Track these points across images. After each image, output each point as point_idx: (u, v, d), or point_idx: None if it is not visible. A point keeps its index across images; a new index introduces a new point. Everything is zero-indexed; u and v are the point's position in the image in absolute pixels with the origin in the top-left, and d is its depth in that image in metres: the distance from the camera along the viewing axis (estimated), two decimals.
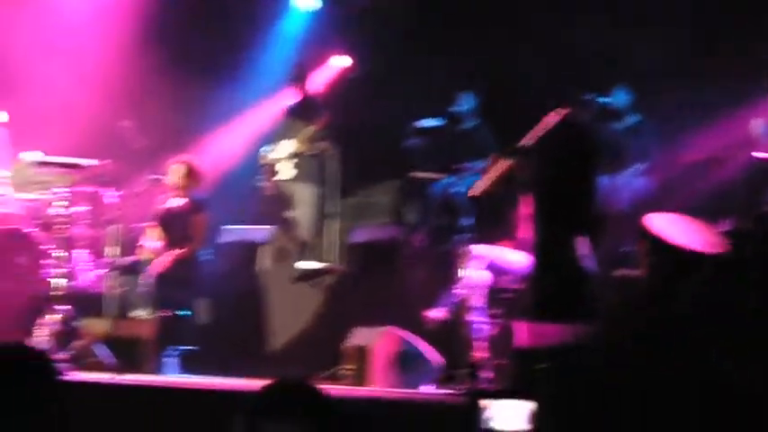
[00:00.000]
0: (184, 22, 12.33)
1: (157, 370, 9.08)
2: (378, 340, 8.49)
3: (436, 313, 8.72)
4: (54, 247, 8.95)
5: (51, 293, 8.55)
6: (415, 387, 8.24)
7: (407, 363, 8.41)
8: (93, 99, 12.08)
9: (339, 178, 10.94)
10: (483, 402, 5.96)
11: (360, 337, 8.65)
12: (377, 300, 9.55)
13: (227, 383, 8.06)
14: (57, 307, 8.31)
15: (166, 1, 12.21)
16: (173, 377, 8.98)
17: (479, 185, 8.52)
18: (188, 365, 9.27)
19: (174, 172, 10.25)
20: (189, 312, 9.96)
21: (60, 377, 2.97)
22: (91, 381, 7.65)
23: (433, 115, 10.53)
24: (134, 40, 12.31)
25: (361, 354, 8.48)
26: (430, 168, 10.41)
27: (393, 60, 11.74)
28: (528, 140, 8.20)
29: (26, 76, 12.42)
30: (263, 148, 11.30)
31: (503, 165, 8.45)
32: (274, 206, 11.31)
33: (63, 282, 8.49)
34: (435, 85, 11.09)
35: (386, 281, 9.85)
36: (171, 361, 9.32)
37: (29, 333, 8.45)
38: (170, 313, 9.75)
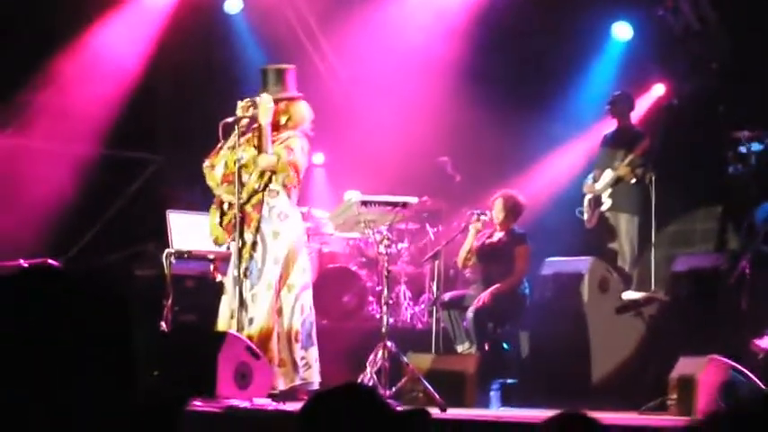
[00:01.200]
0: (503, 58, 12.47)
1: (481, 404, 9.15)
2: (703, 370, 8.26)
3: (764, 342, 8.43)
4: (378, 284, 9.18)
5: (378, 330, 8.75)
6: None
7: (734, 392, 8.14)
8: (412, 136, 12.38)
9: (659, 206, 10.76)
10: None
11: (684, 366, 8.44)
12: (701, 329, 9.31)
13: (548, 416, 8.03)
14: (382, 343, 8.50)
15: (484, 37, 12.36)
16: (497, 411, 9.03)
17: None
18: (509, 398, 9.30)
19: (494, 206, 10.35)
20: (510, 345, 10.02)
21: (390, 412, 2.96)
22: None
23: (757, 140, 10.21)
24: (454, 77, 12.55)
25: (687, 384, 8.26)
26: (753, 194, 10.08)
27: (712, 85, 11.47)
28: None
29: (346, 115, 12.90)
30: (585, 179, 11.26)
31: None
32: (595, 236, 11.25)
33: (387, 318, 8.68)
34: (758, 109, 10.75)
35: (710, 309, 9.58)
36: (494, 394, 9.38)
37: (358, 371, 8.66)
38: (492, 347, 9.84)
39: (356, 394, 2.93)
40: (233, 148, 8.05)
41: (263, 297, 7.87)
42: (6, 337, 2.11)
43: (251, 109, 8.04)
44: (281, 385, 7.97)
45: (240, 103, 8.09)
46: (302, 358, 8.05)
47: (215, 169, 8.19)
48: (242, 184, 7.96)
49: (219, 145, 8.17)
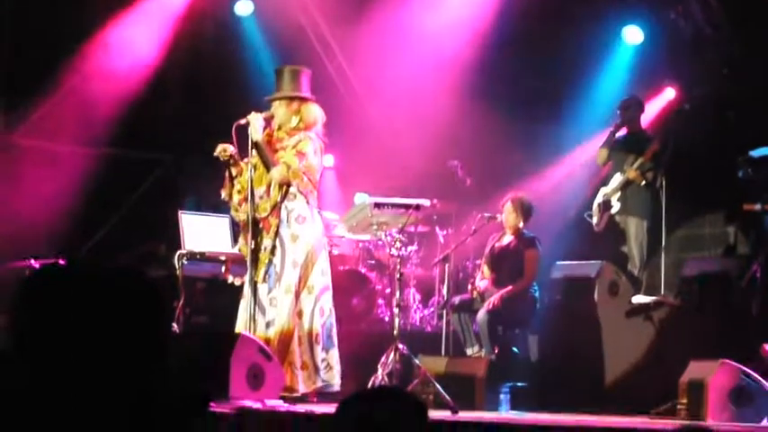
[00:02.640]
0: (514, 62, 12.48)
1: (491, 407, 9.16)
2: (713, 374, 8.27)
3: None
4: (387, 286, 9.18)
5: (387, 333, 8.77)
6: (753, 422, 7.98)
7: (745, 397, 8.15)
8: (422, 139, 12.40)
9: (669, 210, 10.77)
10: None
11: (695, 370, 8.45)
12: (711, 333, 9.32)
13: (558, 420, 8.07)
14: (394, 345, 8.51)
15: (495, 42, 12.37)
16: (507, 414, 9.04)
17: None
18: (519, 402, 9.31)
19: (504, 209, 10.36)
20: (520, 349, 10.04)
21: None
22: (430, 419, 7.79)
23: (766, 145, 10.22)
24: (464, 81, 12.56)
25: (697, 388, 8.27)
26: (763, 199, 10.09)
27: (722, 89, 11.48)
28: None
29: (356, 117, 12.92)
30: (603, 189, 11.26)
31: None
32: (605, 240, 11.26)
33: (397, 321, 8.69)
34: (766, 116, 10.76)
35: (720, 314, 9.60)
36: (504, 398, 9.39)
37: (369, 373, 8.66)
38: (502, 350, 9.86)
39: (397, 398, 2.96)
40: (237, 176, 8.12)
41: (283, 300, 7.88)
42: (51, 330, 2.14)
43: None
44: (303, 388, 7.99)
45: (219, 147, 8.12)
46: (323, 360, 8.07)
47: (232, 198, 8.25)
48: (253, 197, 7.98)
49: (226, 175, 8.22)
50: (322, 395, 8.10)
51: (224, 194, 8.32)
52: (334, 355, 8.09)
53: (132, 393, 2.18)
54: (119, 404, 2.17)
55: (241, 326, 7.97)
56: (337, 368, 8.10)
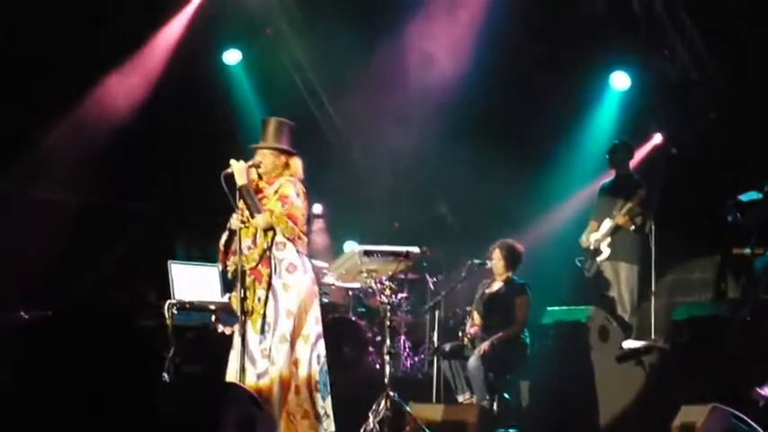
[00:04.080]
0: (501, 107, 12.53)
1: None
2: (704, 418, 8.24)
3: (765, 390, 8.43)
4: (378, 334, 9.16)
5: (378, 380, 8.73)
6: None
7: None
8: (410, 185, 12.42)
9: (658, 255, 10.79)
10: None
11: (686, 415, 8.42)
12: (702, 377, 9.31)
13: None
14: (384, 393, 8.49)
15: (482, 87, 12.41)
16: None
17: None
18: None
19: (493, 255, 10.37)
20: (511, 395, 10.02)
21: None
22: None
23: (754, 189, 10.25)
24: (454, 127, 12.62)
25: None
26: (752, 243, 10.11)
27: (708, 134, 11.53)
28: None
29: (343, 164, 12.94)
30: (581, 238, 11.27)
31: None
32: (595, 286, 11.27)
33: (388, 368, 8.66)
34: (753, 159, 10.80)
35: (710, 358, 9.58)
36: None
37: (360, 421, 8.63)
38: (494, 396, 9.84)
39: None
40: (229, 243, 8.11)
41: (278, 350, 7.83)
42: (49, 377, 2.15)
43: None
44: None
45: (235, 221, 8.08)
46: (321, 408, 8.03)
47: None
48: (240, 246, 7.95)
49: (222, 247, 8.19)
50: None
51: (223, 266, 8.30)
52: (329, 404, 8.05)
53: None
54: None
55: (231, 376, 7.92)
56: (332, 417, 8.05)
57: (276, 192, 8.09)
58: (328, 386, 8.06)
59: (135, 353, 2.28)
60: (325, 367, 8.07)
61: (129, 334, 2.29)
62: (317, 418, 7.93)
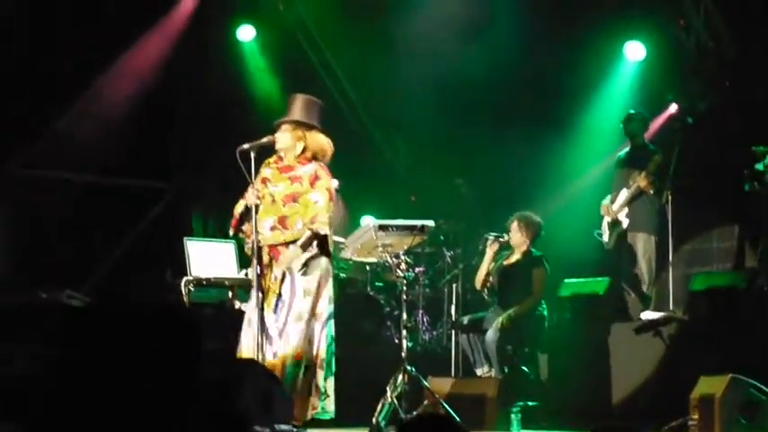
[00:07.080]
0: (516, 80, 12.49)
1: (502, 427, 9.13)
2: (723, 389, 8.24)
3: None
4: (396, 308, 9.14)
5: (397, 355, 8.72)
6: None
7: (754, 411, 8.12)
8: (426, 159, 12.39)
9: (675, 225, 10.75)
10: None
11: (705, 386, 8.42)
12: (720, 347, 9.29)
13: None
14: (402, 368, 8.48)
15: (497, 59, 12.36)
16: None
17: None
18: (530, 421, 9.28)
19: (511, 228, 10.35)
20: (530, 368, 10.01)
21: None
22: None
23: None
24: (469, 100, 12.60)
25: (707, 403, 8.25)
26: None
27: (723, 103, 11.48)
28: None
29: (360, 139, 12.91)
30: (603, 200, 11.24)
31: None
32: (613, 257, 11.24)
33: (405, 343, 8.65)
34: None
35: (729, 328, 9.57)
36: (515, 417, 9.35)
37: (378, 396, 8.62)
38: (511, 369, 9.83)
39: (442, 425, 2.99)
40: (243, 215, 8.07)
41: (293, 328, 7.82)
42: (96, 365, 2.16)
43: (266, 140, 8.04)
44: (310, 414, 7.93)
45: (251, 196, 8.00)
46: (323, 386, 8.02)
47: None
48: (255, 223, 7.91)
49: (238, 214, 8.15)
50: (316, 422, 8.02)
51: (233, 232, 8.27)
52: (332, 384, 8.03)
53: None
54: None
55: (246, 353, 7.91)
56: (332, 397, 8.02)
57: (314, 176, 7.99)
58: (333, 366, 8.05)
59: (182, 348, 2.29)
60: (333, 348, 8.06)
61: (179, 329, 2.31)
62: (318, 394, 7.94)
